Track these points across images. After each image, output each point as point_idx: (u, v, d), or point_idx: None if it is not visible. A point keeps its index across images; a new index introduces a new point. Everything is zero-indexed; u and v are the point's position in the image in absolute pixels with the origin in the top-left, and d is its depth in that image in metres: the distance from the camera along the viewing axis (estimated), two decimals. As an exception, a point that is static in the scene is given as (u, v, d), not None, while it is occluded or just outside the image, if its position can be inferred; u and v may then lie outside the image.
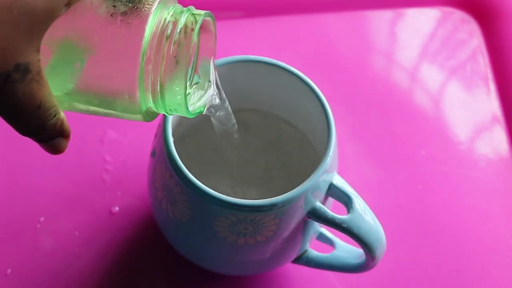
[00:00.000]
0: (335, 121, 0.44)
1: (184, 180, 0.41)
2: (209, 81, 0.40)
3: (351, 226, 0.43)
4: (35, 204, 0.55)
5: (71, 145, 0.56)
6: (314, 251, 0.50)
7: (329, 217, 0.43)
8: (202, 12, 0.36)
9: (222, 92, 0.41)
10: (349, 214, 0.43)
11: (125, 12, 0.34)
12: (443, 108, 0.62)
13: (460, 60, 0.64)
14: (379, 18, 0.66)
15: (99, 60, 0.34)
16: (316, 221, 0.44)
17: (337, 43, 0.65)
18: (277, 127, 0.51)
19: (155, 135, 0.45)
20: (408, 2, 0.67)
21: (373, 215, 0.44)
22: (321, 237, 0.50)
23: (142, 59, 0.34)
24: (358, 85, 0.63)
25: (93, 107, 0.36)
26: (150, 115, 0.36)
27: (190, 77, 0.35)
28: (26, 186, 0.55)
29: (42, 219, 0.54)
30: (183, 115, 0.37)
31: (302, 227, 0.45)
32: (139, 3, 0.34)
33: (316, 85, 0.45)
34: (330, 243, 0.50)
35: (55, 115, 0.34)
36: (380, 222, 0.44)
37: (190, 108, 0.37)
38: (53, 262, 0.53)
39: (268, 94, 0.49)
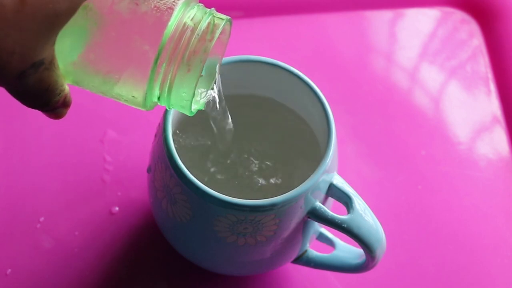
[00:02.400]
0: (335, 121, 0.44)
1: (184, 180, 0.41)
2: (214, 81, 0.40)
3: (351, 226, 0.43)
4: (35, 204, 0.55)
5: (71, 145, 0.57)
6: (314, 251, 0.50)
7: (329, 217, 0.43)
8: (223, 17, 0.35)
9: (221, 91, 0.41)
10: (349, 214, 0.43)
11: (145, 12, 0.34)
12: (443, 108, 0.62)
13: (460, 60, 0.64)
14: (379, 18, 0.66)
15: (113, 54, 0.34)
16: (316, 221, 0.44)
17: (337, 43, 0.65)
18: (277, 126, 0.51)
19: (155, 135, 0.45)
20: (408, 2, 0.67)
21: (373, 215, 0.44)
22: (321, 237, 0.50)
23: (155, 63, 0.34)
24: (358, 85, 0.62)
25: (98, 92, 0.36)
26: (151, 106, 0.37)
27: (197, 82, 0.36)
28: (26, 186, 0.55)
29: (42, 219, 0.54)
30: (183, 112, 0.37)
31: (302, 227, 0.44)
32: (161, 4, 0.34)
33: (316, 85, 0.45)
34: (330, 243, 0.50)
35: (60, 93, 0.35)
36: (380, 222, 0.44)
37: (193, 107, 0.37)
38: (53, 262, 0.53)
39: (268, 93, 0.49)
